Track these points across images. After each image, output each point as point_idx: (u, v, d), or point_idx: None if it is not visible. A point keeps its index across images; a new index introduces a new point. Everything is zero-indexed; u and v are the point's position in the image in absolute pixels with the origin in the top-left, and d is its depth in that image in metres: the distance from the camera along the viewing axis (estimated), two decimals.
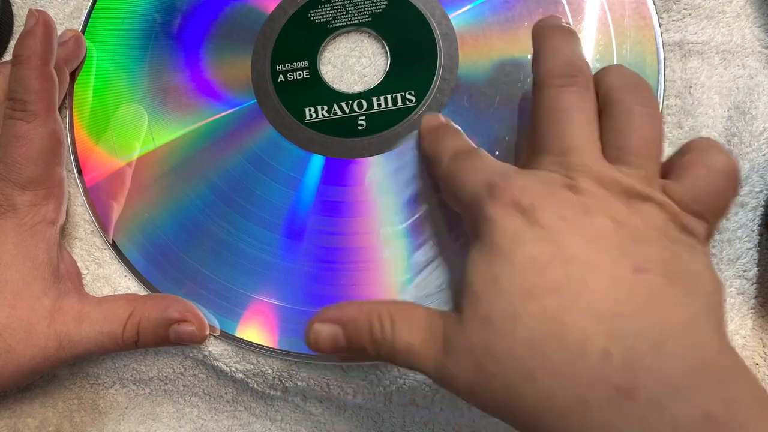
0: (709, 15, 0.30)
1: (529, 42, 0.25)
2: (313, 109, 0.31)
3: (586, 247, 0.20)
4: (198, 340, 0.28)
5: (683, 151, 0.22)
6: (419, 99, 0.30)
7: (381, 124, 0.30)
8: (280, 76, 0.31)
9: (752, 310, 0.27)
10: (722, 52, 0.29)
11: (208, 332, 0.28)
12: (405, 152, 0.30)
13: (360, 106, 0.31)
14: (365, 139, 0.30)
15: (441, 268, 0.28)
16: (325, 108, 0.31)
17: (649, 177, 0.21)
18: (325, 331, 0.23)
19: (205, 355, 0.29)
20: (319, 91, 0.31)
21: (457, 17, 0.31)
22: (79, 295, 0.28)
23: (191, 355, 0.29)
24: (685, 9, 0.30)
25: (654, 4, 0.30)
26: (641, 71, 0.29)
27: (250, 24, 0.32)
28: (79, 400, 0.31)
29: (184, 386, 0.31)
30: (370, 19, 0.32)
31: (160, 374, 0.30)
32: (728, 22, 0.30)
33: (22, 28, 0.35)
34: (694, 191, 0.21)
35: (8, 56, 0.35)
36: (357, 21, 0.32)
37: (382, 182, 0.29)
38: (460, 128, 0.27)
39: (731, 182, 0.22)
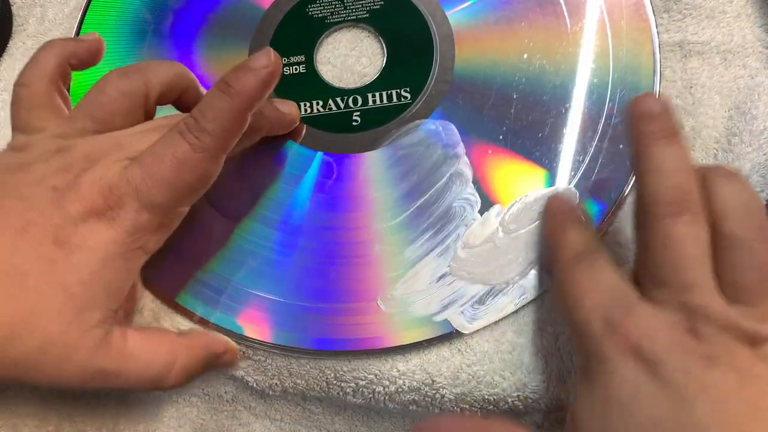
0: (709, 15, 0.30)
1: (526, 41, 0.25)
2: (308, 104, 0.31)
3: (712, 410, 0.19)
4: (234, 365, 0.28)
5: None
6: (414, 96, 0.30)
7: (375, 121, 0.30)
8: None
9: None
10: (723, 52, 0.29)
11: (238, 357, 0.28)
12: (400, 148, 0.30)
13: (355, 101, 0.31)
14: (359, 134, 0.30)
15: (432, 265, 0.28)
16: (321, 103, 0.31)
17: (766, 315, 0.21)
18: None
19: None
20: (314, 86, 0.31)
21: (454, 15, 0.31)
22: (124, 327, 0.25)
23: None
24: (686, 9, 0.30)
25: (653, 5, 0.30)
26: (637, 73, 0.29)
27: (247, 19, 0.32)
28: (78, 401, 0.31)
29: None
30: (367, 15, 0.32)
31: None
32: (729, 22, 0.30)
33: (22, 27, 0.35)
34: None
35: (8, 56, 0.35)
36: (354, 17, 0.32)
37: (377, 178, 0.29)
38: (587, 217, 0.26)
39: None
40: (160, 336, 0.26)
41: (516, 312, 0.27)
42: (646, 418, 0.19)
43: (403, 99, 0.30)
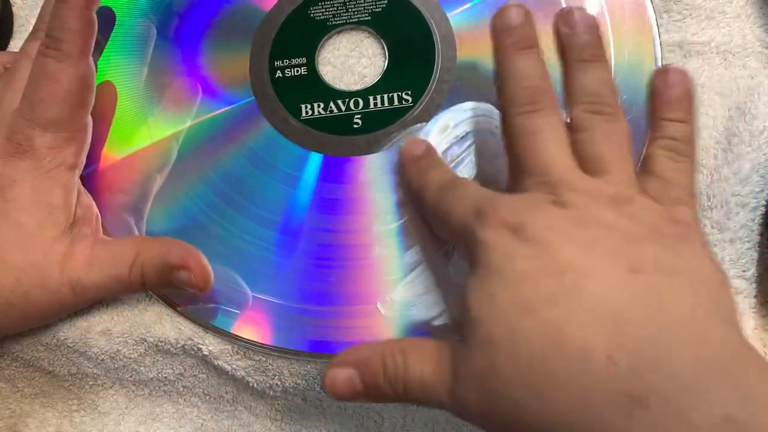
0: (709, 15, 0.30)
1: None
2: (309, 106, 0.31)
3: (578, 255, 0.20)
4: (196, 287, 0.27)
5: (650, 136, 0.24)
6: (416, 99, 0.30)
7: (376, 124, 0.30)
8: (278, 72, 0.32)
9: (753, 310, 0.27)
10: (723, 53, 0.29)
11: (210, 281, 0.27)
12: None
13: (356, 104, 0.31)
14: (360, 137, 0.30)
15: (429, 270, 0.28)
16: (322, 105, 0.31)
17: (628, 180, 0.22)
18: (341, 375, 0.23)
19: (205, 355, 0.29)
20: (316, 88, 0.31)
21: (456, 16, 0.31)
22: (93, 239, 0.28)
23: (192, 353, 0.29)
24: (686, 9, 0.30)
25: (653, 6, 0.30)
26: (639, 74, 0.29)
27: (249, 21, 0.32)
28: (78, 401, 0.31)
29: (183, 387, 0.31)
30: (369, 17, 0.32)
31: (160, 375, 0.30)
32: (728, 22, 0.30)
33: (23, 27, 0.35)
34: (666, 181, 0.22)
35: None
36: (356, 19, 0.32)
37: (378, 180, 0.29)
38: (441, 157, 0.27)
39: (689, 136, 0.23)
40: (125, 239, 0.28)
41: None
42: (518, 273, 0.20)
43: (404, 102, 0.30)
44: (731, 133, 0.28)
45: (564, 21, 0.24)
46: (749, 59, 0.29)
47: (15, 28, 0.36)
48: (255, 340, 0.28)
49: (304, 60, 0.32)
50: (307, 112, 0.31)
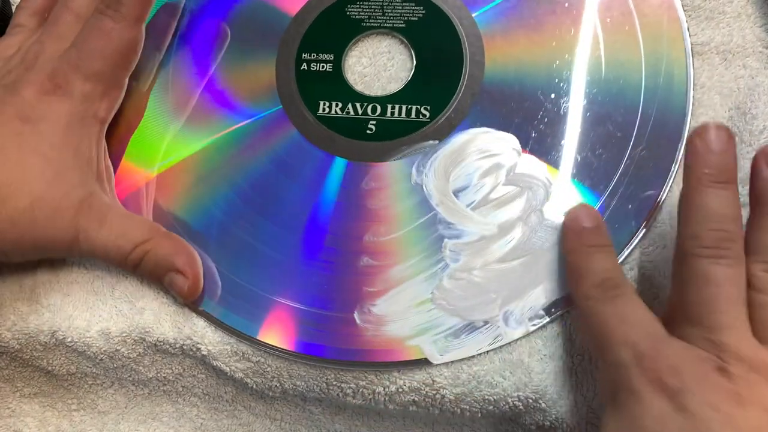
0: (709, 16, 0.30)
1: (556, 59, 0.24)
2: (327, 104, 0.31)
3: None
4: (184, 296, 0.28)
5: None
6: (433, 116, 0.30)
7: (390, 133, 0.30)
8: (304, 64, 0.32)
9: None
10: (722, 53, 0.29)
11: (197, 295, 0.28)
12: (425, 164, 0.29)
13: (374, 110, 0.31)
14: (371, 143, 0.30)
15: (415, 288, 0.28)
16: (340, 105, 0.31)
17: None
18: None
19: (204, 355, 0.29)
20: (338, 87, 0.31)
21: (487, 33, 0.31)
22: (111, 203, 0.29)
23: (191, 353, 0.29)
24: (686, 10, 0.30)
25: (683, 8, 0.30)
26: (670, 80, 0.29)
27: (274, 23, 0.32)
28: (78, 400, 0.31)
29: (183, 386, 0.31)
30: (404, 25, 0.32)
31: (159, 375, 0.30)
32: (728, 22, 0.30)
33: None
34: None
35: None
36: (391, 25, 0.32)
37: (381, 190, 0.29)
38: (611, 242, 0.26)
39: None
40: (143, 221, 0.29)
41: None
42: None
43: (421, 116, 0.30)
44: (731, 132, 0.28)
45: (765, 159, 0.23)
46: (749, 59, 0.29)
47: None
48: (279, 346, 0.28)
49: (332, 57, 0.32)
50: (324, 110, 0.31)
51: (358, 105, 0.31)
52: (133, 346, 0.29)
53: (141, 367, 0.30)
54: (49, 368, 0.30)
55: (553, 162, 0.29)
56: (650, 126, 0.28)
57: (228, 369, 0.29)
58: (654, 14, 0.30)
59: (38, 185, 0.27)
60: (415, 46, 0.31)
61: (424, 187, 0.29)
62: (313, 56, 0.32)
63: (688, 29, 0.30)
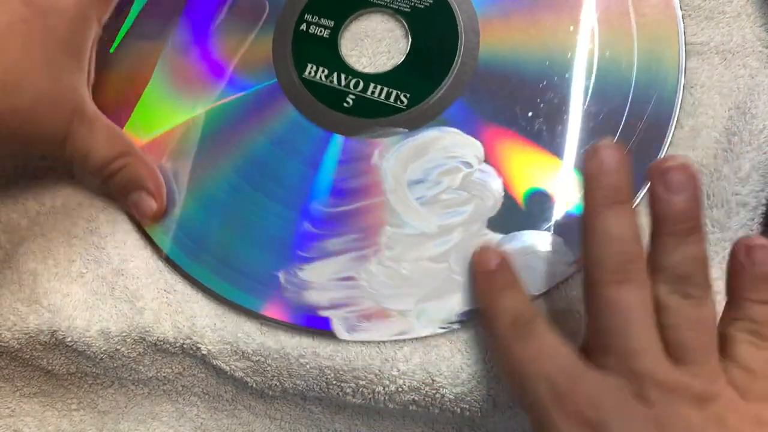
0: (708, 16, 0.30)
1: (548, 50, 0.24)
2: (314, 67, 0.31)
3: None
4: (147, 216, 0.29)
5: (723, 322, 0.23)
6: (410, 104, 0.30)
7: (365, 111, 0.30)
8: (304, 25, 0.32)
9: None
10: (722, 52, 0.29)
11: (153, 215, 0.29)
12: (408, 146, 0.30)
13: (356, 85, 0.31)
14: (345, 116, 0.30)
15: (342, 264, 0.28)
16: (326, 72, 0.31)
17: (713, 372, 0.21)
18: None
19: (204, 354, 0.29)
20: (329, 54, 0.32)
21: (486, 25, 0.31)
22: (97, 116, 0.29)
23: (190, 353, 0.29)
24: (685, 9, 0.30)
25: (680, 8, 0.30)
26: (661, 71, 0.29)
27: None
28: (78, 400, 0.31)
29: (183, 386, 0.31)
30: (408, 10, 0.32)
31: (159, 374, 0.30)
32: (728, 22, 0.30)
33: None
34: (751, 371, 0.21)
35: None
36: (396, 6, 0.32)
37: (362, 167, 0.30)
38: (518, 278, 0.26)
39: None
40: (124, 133, 0.30)
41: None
42: None
43: (399, 102, 0.30)
44: (731, 132, 0.28)
45: (661, 179, 0.22)
46: (749, 58, 0.29)
47: None
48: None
49: (332, 24, 0.32)
50: (310, 73, 0.31)
51: (343, 76, 0.31)
52: (133, 346, 0.29)
53: (141, 367, 0.30)
54: (49, 368, 0.30)
55: (555, 152, 0.29)
56: (639, 121, 0.29)
57: (228, 368, 0.29)
58: (652, 12, 0.30)
59: (43, 81, 0.26)
60: (414, 33, 0.31)
61: (381, 171, 0.29)
62: (315, 19, 0.32)
63: (684, 27, 0.30)
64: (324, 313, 0.28)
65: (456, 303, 0.27)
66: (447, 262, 0.28)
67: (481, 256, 0.26)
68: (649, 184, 0.23)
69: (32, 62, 0.26)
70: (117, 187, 0.29)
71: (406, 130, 0.30)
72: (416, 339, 0.27)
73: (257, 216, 0.30)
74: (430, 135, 0.30)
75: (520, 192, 0.28)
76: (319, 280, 0.28)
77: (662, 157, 0.22)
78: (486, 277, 0.26)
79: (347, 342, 0.28)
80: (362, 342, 0.28)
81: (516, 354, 0.23)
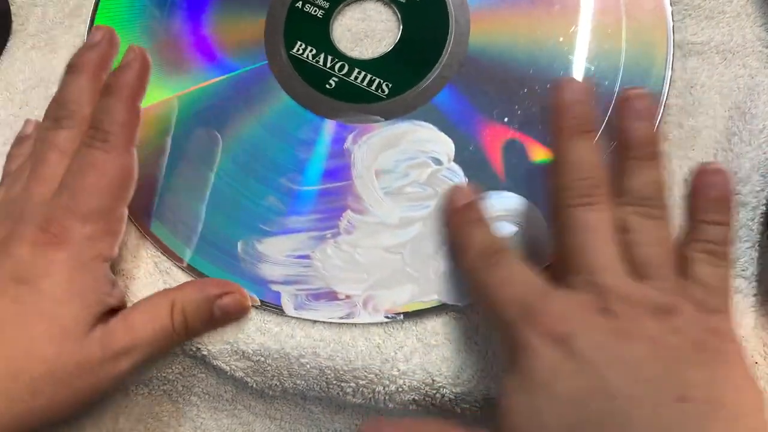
0: (708, 15, 0.30)
1: (537, 36, 0.24)
2: (303, 45, 0.32)
3: (626, 379, 0.20)
4: (243, 309, 0.28)
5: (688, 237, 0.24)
6: (390, 95, 0.30)
7: (345, 95, 0.31)
8: (300, 1, 0.32)
9: (752, 308, 0.27)
10: (722, 52, 0.29)
11: (250, 303, 0.28)
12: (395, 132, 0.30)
13: (341, 68, 0.31)
14: (325, 98, 0.31)
15: (300, 242, 0.29)
16: (313, 51, 0.31)
17: (673, 286, 0.22)
18: None
19: (204, 355, 0.29)
20: (319, 34, 0.32)
21: (477, 24, 0.31)
22: (122, 314, 0.27)
23: (191, 353, 0.29)
24: (685, 9, 0.30)
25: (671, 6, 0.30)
26: (649, 70, 0.29)
27: None
28: None
29: (183, 386, 0.31)
30: (404, 0, 0.32)
31: (159, 374, 0.30)
32: (728, 21, 0.30)
33: (22, 26, 0.35)
34: (707, 287, 0.22)
35: (8, 56, 0.35)
36: None
37: (315, 143, 0.30)
38: (486, 215, 0.27)
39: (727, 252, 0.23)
40: (154, 295, 0.28)
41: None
42: (566, 395, 0.20)
43: (380, 91, 0.31)
44: (731, 132, 0.28)
45: (626, 108, 0.24)
46: (749, 58, 0.29)
47: (15, 27, 0.36)
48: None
49: (327, 5, 0.32)
50: (297, 50, 0.32)
51: (329, 58, 0.31)
52: None
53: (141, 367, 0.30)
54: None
55: (544, 142, 0.29)
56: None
57: (228, 368, 0.29)
58: (642, 12, 0.30)
59: (49, 350, 0.24)
60: (406, 24, 0.32)
61: (352, 155, 0.30)
62: None
63: (674, 24, 0.30)
64: (275, 288, 0.29)
65: (403, 295, 0.28)
66: (401, 253, 0.28)
67: (452, 194, 0.27)
68: (612, 113, 0.25)
69: (32, 339, 0.25)
70: (200, 326, 0.28)
71: (382, 119, 0.30)
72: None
73: (230, 187, 0.30)
74: (403, 127, 0.30)
75: None
76: (274, 254, 0.29)
77: (624, 89, 0.25)
78: (457, 212, 0.27)
79: (347, 342, 0.28)
80: (362, 342, 0.28)
81: (487, 281, 0.24)
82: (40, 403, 0.24)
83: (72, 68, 0.28)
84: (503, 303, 0.23)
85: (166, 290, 0.28)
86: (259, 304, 0.29)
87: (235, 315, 0.28)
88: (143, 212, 0.30)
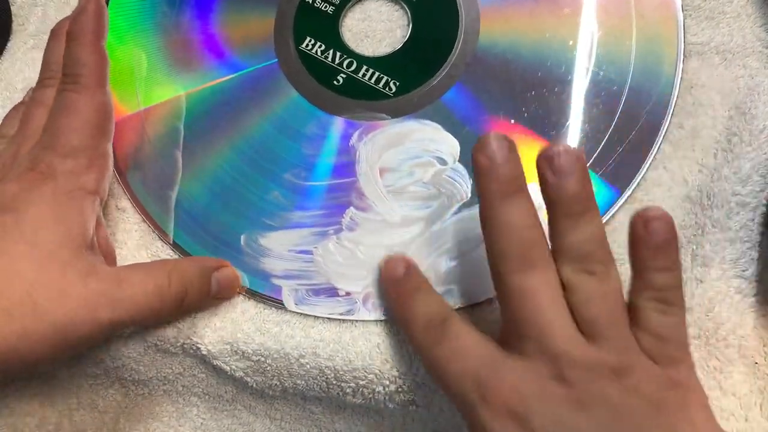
0: (708, 16, 0.30)
1: (547, 36, 0.24)
2: (312, 41, 0.32)
3: None
4: (237, 284, 0.29)
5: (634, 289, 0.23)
6: (398, 93, 0.31)
7: (353, 92, 0.31)
8: None
9: (752, 309, 0.27)
10: (722, 52, 0.29)
11: (241, 281, 0.29)
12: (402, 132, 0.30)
13: (350, 65, 0.31)
14: (332, 94, 0.31)
15: (303, 237, 0.29)
16: (322, 47, 0.32)
17: (626, 344, 0.22)
18: None
19: (204, 354, 0.29)
20: (329, 30, 0.32)
21: (486, 25, 0.31)
22: (116, 268, 0.28)
23: (191, 353, 0.29)
24: (685, 10, 0.30)
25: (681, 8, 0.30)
26: (658, 72, 0.29)
27: None
28: (78, 399, 0.31)
29: (183, 386, 0.31)
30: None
31: (159, 374, 0.30)
32: (728, 22, 0.30)
33: (22, 26, 0.35)
34: (661, 338, 0.22)
35: (8, 56, 0.35)
36: None
37: (321, 139, 0.30)
38: (425, 278, 0.26)
39: (680, 307, 0.22)
40: (153, 261, 0.29)
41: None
42: None
43: (387, 89, 0.31)
44: (731, 132, 0.28)
45: (548, 166, 0.22)
46: (749, 59, 0.29)
47: (15, 28, 0.36)
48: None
49: (338, 1, 0.32)
50: (306, 45, 0.32)
51: (338, 54, 0.31)
52: (134, 346, 0.29)
53: (141, 367, 0.30)
54: (49, 367, 0.30)
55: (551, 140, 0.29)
56: (634, 115, 0.29)
57: (228, 368, 0.29)
58: (652, 13, 0.30)
59: (29, 270, 0.25)
60: (416, 23, 0.32)
61: (357, 152, 0.30)
62: None
63: (684, 25, 0.30)
64: (277, 282, 0.29)
65: None
66: (402, 252, 0.28)
67: (388, 265, 0.27)
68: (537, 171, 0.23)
69: (12, 259, 0.25)
70: (197, 297, 0.28)
71: (388, 117, 0.30)
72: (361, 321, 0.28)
73: (237, 182, 0.30)
74: (409, 126, 0.30)
75: None
76: (277, 249, 0.29)
77: (547, 145, 0.23)
78: (395, 284, 0.26)
79: (347, 342, 0.28)
80: (362, 342, 0.28)
81: (436, 356, 0.23)
82: (14, 328, 0.24)
83: (54, 33, 0.30)
84: (455, 378, 0.22)
85: (164, 260, 0.29)
86: (246, 290, 0.29)
87: (227, 291, 0.29)
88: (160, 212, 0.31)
